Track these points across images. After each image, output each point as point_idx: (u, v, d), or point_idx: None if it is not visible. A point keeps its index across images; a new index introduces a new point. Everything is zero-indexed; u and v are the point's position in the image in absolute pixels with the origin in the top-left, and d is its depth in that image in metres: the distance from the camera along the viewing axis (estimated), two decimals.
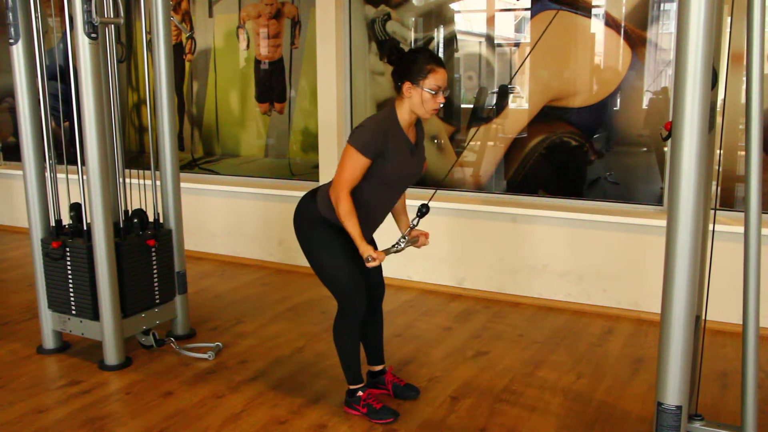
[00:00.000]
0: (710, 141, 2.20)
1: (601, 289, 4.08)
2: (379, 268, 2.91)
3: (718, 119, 2.42)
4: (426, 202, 2.65)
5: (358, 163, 2.53)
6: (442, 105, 2.58)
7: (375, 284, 2.89)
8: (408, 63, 2.54)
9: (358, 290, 2.68)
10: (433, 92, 2.52)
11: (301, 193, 2.80)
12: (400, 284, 4.61)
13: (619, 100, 4.12)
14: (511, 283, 4.32)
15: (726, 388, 3.06)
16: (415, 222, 2.68)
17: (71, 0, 2.99)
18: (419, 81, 2.51)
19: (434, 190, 2.97)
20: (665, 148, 4.02)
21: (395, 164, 2.58)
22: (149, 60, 3.52)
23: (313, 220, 2.67)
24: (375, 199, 2.65)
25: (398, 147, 2.59)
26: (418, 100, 2.54)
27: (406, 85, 2.54)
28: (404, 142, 2.62)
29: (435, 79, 2.51)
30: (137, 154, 5.88)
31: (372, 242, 2.88)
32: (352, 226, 2.54)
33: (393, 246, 2.66)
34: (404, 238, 2.68)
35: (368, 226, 2.71)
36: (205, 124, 5.65)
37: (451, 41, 4.55)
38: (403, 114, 2.60)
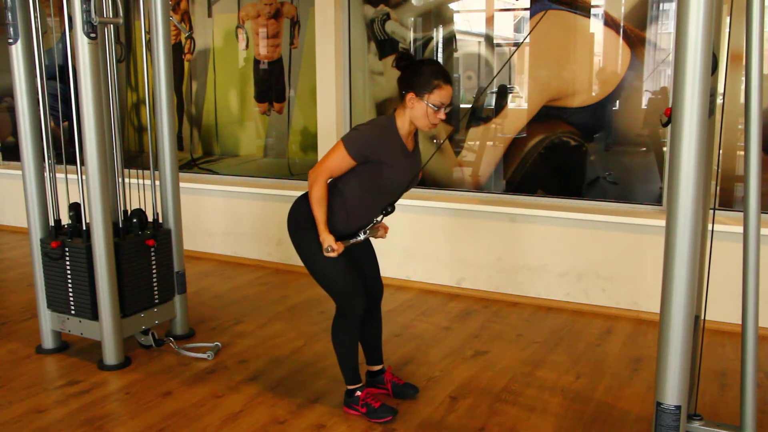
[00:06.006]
0: (710, 126, 2.19)
1: (600, 289, 4.09)
2: (376, 268, 2.92)
3: (717, 116, 2.42)
4: (394, 203, 2.68)
5: (344, 161, 2.56)
6: (442, 120, 2.58)
7: (373, 284, 2.89)
8: (415, 74, 2.53)
9: (356, 291, 2.68)
10: (436, 108, 2.52)
11: (300, 193, 2.80)
12: (399, 284, 4.61)
13: (618, 100, 4.12)
14: (510, 283, 4.32)
15: (725, 388, 3.07)
16: (378, 219, 2.70)
17: (70, 0, 2.99)
18: (424, 95, 2.51)
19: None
20: (664, 148, 4.03)
21: (391, 171, 2.58)
22: (148, 60, 3.51)
23: (307, 222, 2.67)
24: (370, 202, 2.65)
25: (395, 154, 2.59)
26: (419, 113, 2.54)
27: (410, 96, 2.53)
28: (401, 150, 2.62)
29: (440, 95, 2.51)
30: (136, 154, 5.87)
31: (368, 244, 2.88)
32: (320, 213, 2.57)
33: (352, 238, 2.69)
34: (365, 232, 2.70)
35: (358, 225, 2.71)
36: (204, 124, 5.65)
37: (450, 41, 4.55)
38: (403, 123, 2.60)
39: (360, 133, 2.57)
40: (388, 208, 2.66)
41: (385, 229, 2.82)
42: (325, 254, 2.56)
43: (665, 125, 2.11)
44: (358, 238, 2.69)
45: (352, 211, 2.64)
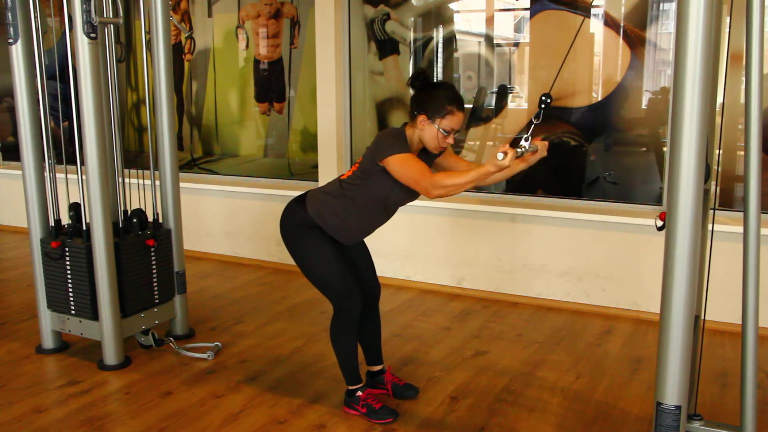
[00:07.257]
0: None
1: (600, 289, 4.09)
2: (372, 269, 2.91)
3: (718, 119, 2.43)
4: (548, 92, 2.40)
5: (412, 159, 2.44)
6: (451, 144, 2.58)
7: (370, 285, 2.89)
8: (429, 97, 2.51)
9: (351, 291, 2.68)
10: (447, 133, 2.52)
11: (300, 193, 2.80)
12: (399, 284, 4.61)
13: (618, 100, 4.12)
14: (510, 283, 4.32)
15: (725, 388, 3.07)
16: (536, 119, 2.41)
17: (70, 0, 2.99)
18: (436, 119, 2.50)
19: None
20: (664, 148, 4.03)
21: (396, 185, 2.56)
22: (148, 60, 3.52)
23: (301, 225, 2.67)
24: (367, 215, 2.65)
25: None
26: (429, 136, 2.54)
27: (421, 118, 2.52)
28: None
29: (451, 121, 2.50)
30: (136, 154, 5.87)
31: (362, 245, 2.88)
32: (473, 173, 2.33)
33: (518, 147, 2.36)
34: (527, 139, 2.38)
35: (353, 235, 2.71)
36: (204, 124, 5.65)
37: (450, 41, 4.55)
38: (411, 139, 2.59)
39: (388, 136, 2.53)
40: (546, 99, 2.37)
41: (545, 146, 2.48)
42: (501, 162, 2.23)
43: (660, 229, 2.12)
44: (525, 148, 2.38)
45: (347, 216, 2.64)
